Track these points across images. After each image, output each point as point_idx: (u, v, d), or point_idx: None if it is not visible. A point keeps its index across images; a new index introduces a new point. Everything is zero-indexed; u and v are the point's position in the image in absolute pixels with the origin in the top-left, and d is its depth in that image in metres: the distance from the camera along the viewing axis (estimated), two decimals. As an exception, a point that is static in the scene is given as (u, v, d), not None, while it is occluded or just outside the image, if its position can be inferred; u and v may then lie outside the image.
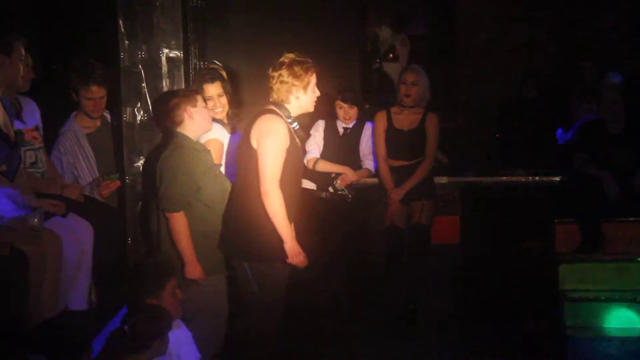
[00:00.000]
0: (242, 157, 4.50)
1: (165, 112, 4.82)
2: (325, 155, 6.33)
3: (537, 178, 6.79)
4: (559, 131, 7.40)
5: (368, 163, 6.34)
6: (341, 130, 6.38)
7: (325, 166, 6.31)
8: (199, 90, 5.05)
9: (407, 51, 7.38)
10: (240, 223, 4.43)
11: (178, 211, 4.54)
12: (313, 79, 4.47)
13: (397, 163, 6.11)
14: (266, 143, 4.34)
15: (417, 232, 6.03)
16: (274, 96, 4.46)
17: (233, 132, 5.28)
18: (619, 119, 6.05)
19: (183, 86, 5.59)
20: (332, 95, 6.42)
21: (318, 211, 6.23)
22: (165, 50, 5.77)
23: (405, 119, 6.12)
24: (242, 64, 7.82)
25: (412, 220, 6.07)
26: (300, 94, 4.45)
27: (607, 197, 5.85)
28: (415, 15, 7.36)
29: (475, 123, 8.34)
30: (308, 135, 6.35)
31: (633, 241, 5.93)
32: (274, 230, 4.36)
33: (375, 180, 6.27)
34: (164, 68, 5.77)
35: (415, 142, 6.09)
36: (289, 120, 4.43)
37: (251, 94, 6.82)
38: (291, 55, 4.47)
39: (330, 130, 6.38)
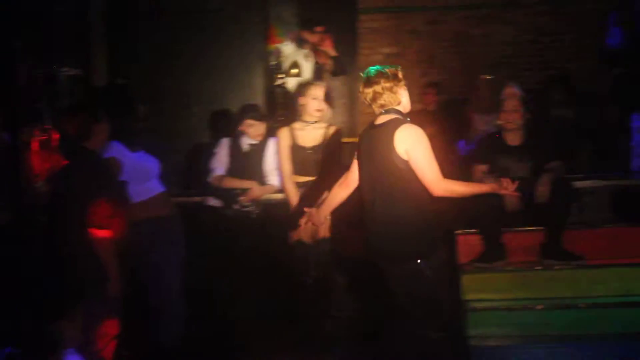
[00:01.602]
0: (383, 168, 4.59)
1: (72, 127, 4.73)
2: (230, 173, 6.32)
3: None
4: (461, 143, 7.54)
5: (273, 179, 6.33)
6: (246, 147, 6.36)
7: (231, 182, 6.29)
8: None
9: (310, 66, 7.41)
10: (408, 226, 4.59)
11: (107, 227, 4.51)
12: None
13: (304, 179, 6.11)
14: (420, 149, 4.55)
15: (325, 245, 6.06)
16: (393, 103, 4.68)
17: (135, 149, 5.22)
18: (518, 129, 6.18)
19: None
20: (236, 112, 6.43)
21: (224, 228, 6.22)
22: (65, 68, 5.68)
23: (308, 135, 6.12)
24: (147, 79, 7.76)
25: (318, 234, 6.09)
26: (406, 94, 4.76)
27: (506, 207, 5.97)
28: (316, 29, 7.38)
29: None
30: (212, 154, 6.33)
31: (532, 250, 6.06)
32: (433, 225, 4.65)
33: (281, 195, 6.28)
34: (63, 85, 5.67)
35: (320, 157, 6.10)
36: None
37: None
38: (388, 68, 4.73)
39: (234, 148, 6.36)
